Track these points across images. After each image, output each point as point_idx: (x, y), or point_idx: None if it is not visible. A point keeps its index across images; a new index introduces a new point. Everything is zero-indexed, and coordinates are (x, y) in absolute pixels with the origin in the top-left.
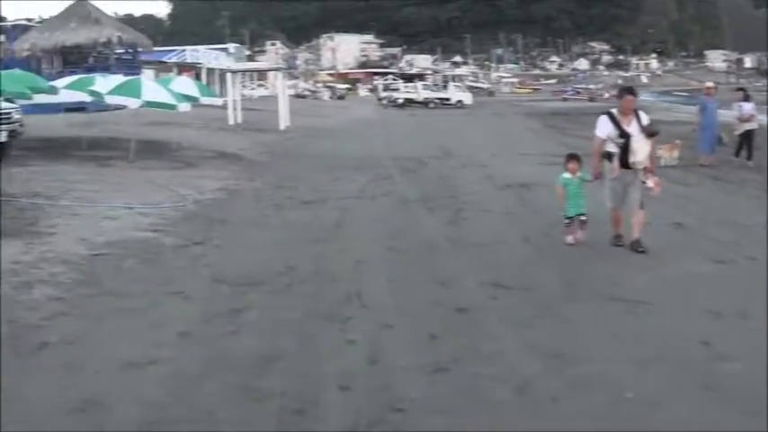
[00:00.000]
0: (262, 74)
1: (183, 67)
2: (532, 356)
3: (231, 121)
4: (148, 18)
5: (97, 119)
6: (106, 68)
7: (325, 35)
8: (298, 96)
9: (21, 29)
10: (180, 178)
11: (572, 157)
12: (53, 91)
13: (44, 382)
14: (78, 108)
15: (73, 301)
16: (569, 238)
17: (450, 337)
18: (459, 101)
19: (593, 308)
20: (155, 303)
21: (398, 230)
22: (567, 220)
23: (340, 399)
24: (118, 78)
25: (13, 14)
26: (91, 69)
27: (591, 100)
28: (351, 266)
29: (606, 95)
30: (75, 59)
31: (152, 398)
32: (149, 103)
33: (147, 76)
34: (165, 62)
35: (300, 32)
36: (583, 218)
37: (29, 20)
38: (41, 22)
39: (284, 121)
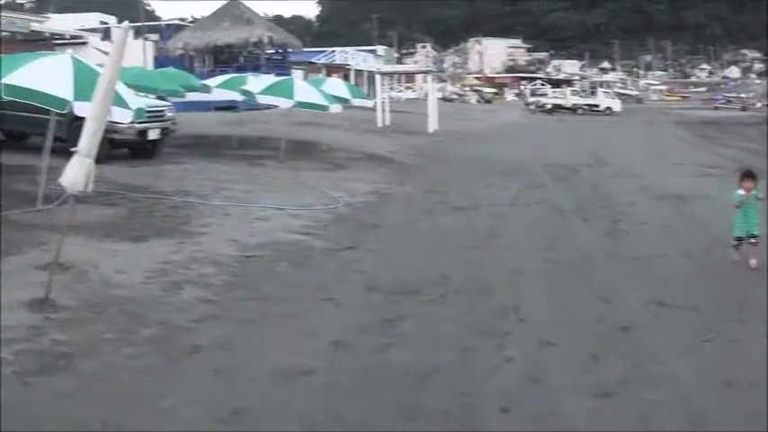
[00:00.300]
0: (409, 76)
1: (331, 69)
2: (704, 383)
3: (379, 123)
4: (298, 19)
5: (247, 118)
6: (257, 68)
7: (472, 39)
8: (445, 100)
9: (174, 28)
10: (330, 180)
11: (747, 174)
12: (206, 89)
13: (194, 389)
14: (229, 107)
15: (224, 304)
16: (736, 256)
17: (614, 357)
18: (608, 108)
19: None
20: (307, 310)
21: (554, 240)
22: (735, 241)
23: (501, 422)
24: (270, 78)
25: (168, 14)
26: (241, 69)
27: (743, 109)
28: (506, 277)
29: (758, 105)
30: (226, 59)
31: (305, 411)
32: (301, 104)
33: (296, 76)
34: (315, 63)
35: (448, 36)
36: (754, 240)
37: (182, 20)
38: (194, 21)
39: (433, 124)
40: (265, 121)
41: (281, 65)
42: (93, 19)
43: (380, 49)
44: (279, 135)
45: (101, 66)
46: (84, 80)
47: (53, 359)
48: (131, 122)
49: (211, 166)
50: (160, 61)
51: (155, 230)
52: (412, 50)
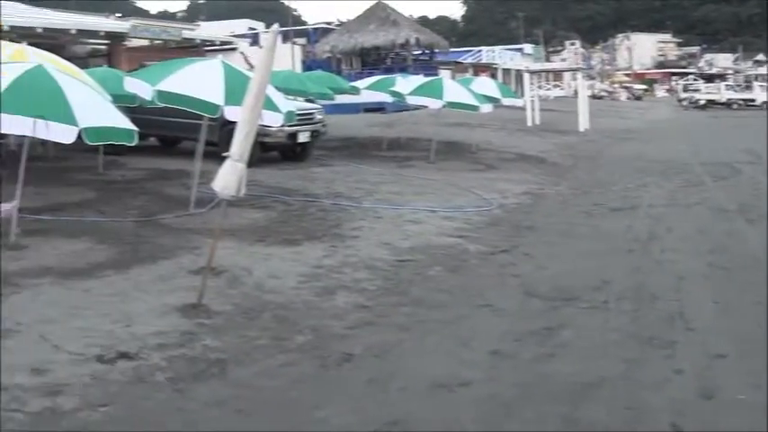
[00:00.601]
0: (557, 74)
1: (478, 68)
2: None
3: (529, 123)
4: (443, 19)
5: (396, 119)
6: (404, 69)
7: (620, 35)
8: (594, 97)
9: (321, 32)
10: (482, 181)
11: None
12: (355, 91)
13: (348, 398)
14: (377, 108)
15: (377, 310)
16: None
17: None
18: (765, 102)
19: None
20: (462, 316)
21: (718, 244)
22: None
23: None
24: (418, 79)
25: (314, 19)
26: (389, 70)
27: None
28: (671, 283)
29: None
30: (373, 61)
31: (463, 424)
32: (451, 104)
33: (444, 76)
34: (461, 63)
35: (595, 32)
36: None
37: (328, 23)
38: (340, 25)
39: (583, 123)
40: (414, 122)
41: (428, 65)
42: (241, 26)
43: (527, 47)
44: (428, 136)
45: (251, 70)
46: (235, 85)
47: (206, 366)
48: (282, 126)
49: (361, 168)
50: (308, 64)
51: (307, 234)
52: (559, 48)
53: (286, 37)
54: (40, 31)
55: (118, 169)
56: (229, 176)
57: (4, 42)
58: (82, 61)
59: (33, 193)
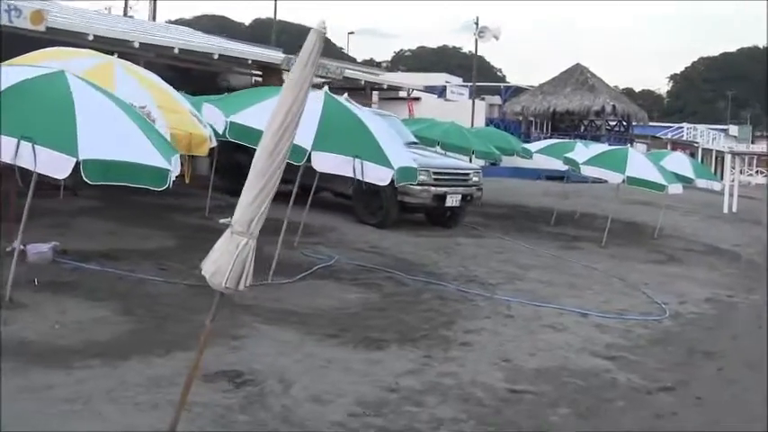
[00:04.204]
0: (760, 159)
1: (677, 145)
2: None
3: (726, 209)
4: (647, 93)
5: (575, 190)
6: (597, 138)
7: None
8: None
9: (513, 90)
10: (658, 276)
11: None
12: (527, 155)
13: None
14: (560, 177)
15: None
16: None
17: None
18: None
19: None
20: None
21: None
22: None
23: None
24: (600, 147)
25: (515, 79)
26: (580, 138)
27: None
28: None
29: None
30: (565, 127)
31: None
32: (633, 180)
33: (638, 149)
34: (660, 138)
35: None
36: None
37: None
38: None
39: None
40: (595, 195)
41: (622, 137)
42: (439, 79)
43: (733, 128)
44: (606, 213)
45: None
46: (333, 125)
47: None
48: (427, 185)
49: (516, 245)
50: (496, 123)
51: (402, 332)
52: (766, 133)
53: (477, 93)
54: (176, 51)
55: (229, 214)
56: (225, 257)
57: (86, 51)
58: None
59: (104, 233)
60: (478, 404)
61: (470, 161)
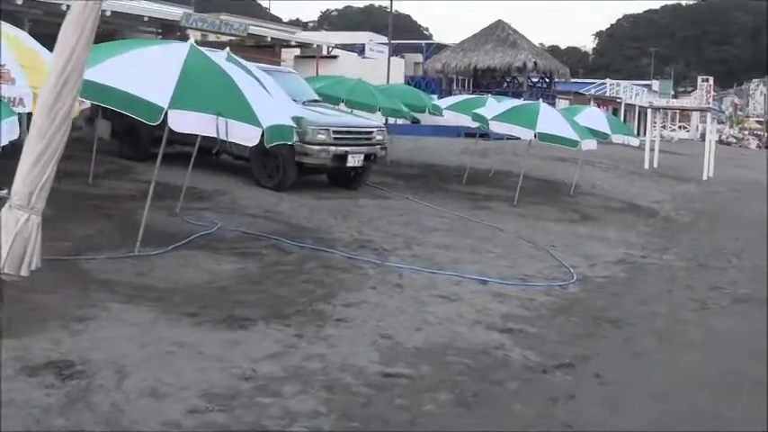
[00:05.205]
0: (683, 115)
1: (600, 101)
2: None
3: (646, 165)
4: (573, 50)
5: (497, 147)
6: (518, 95)
7: (756, 80)
8: (721, 143)
9: (435, 48)
10: (569, 237)
11: None
12: (436, 111)
13: None
14: (482, 134)
15: None
16: None
17: None
18: None
19: None
20: None
21: None
22: None
23: None
24: (511, 102)
25: (442, 38)
26: (502, 94)
27: None
28: None
29: None
30: (487, 83)
31: None
32: (544, 136)
33: (559, 106)
34: (583, 94)
35: (730, 77)
36: None
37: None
38: None
39: (708, 170)
40: (515, 152)
41: (545, 93)
42: (364, 38)
43: (656, 84)
44: (521, 170)
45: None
46: (197, 80)
47: None
48: (325, 144)
49: (421, 207)
50: (416, 81)
51: (274, 308)
52: (689, 89)
53: (397, 51)
54: (64, 8)
55: (117, 180)
56: (4, 236)
57: None
58: None
59: None
60: (345, 392)
61: (386, 120)
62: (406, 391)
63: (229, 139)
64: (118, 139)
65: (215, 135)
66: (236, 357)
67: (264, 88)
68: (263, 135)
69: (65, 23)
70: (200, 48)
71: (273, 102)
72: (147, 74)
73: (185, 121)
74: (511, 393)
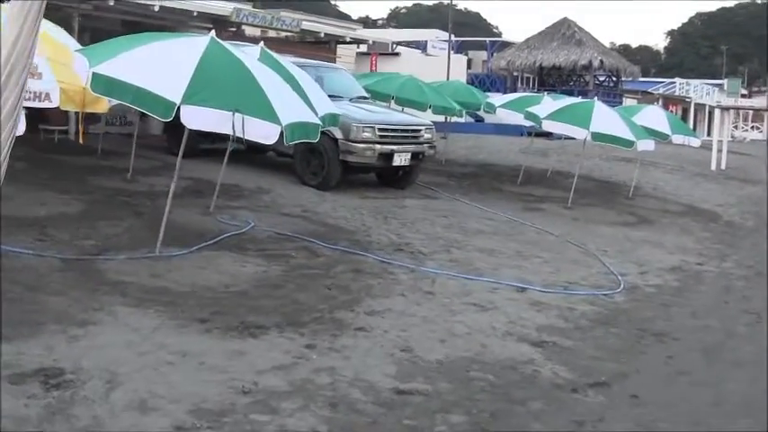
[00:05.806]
0: (756, 115)
1: (669, 100)
2: None
3: (713, 167)
4: (644, 49)
5: (559, 147)
6: (584, 93)
7: None
8: None
9: (499, 45)
10: (622, 242)
11: None
12: (490, 109)
13: None
14: (546, 133)
15: None
16: None
17: None
18: None
19: None
20: None
21: None
22: None
23: None
24: (567, 100)
25: (512, 36)
26: (568, 93)
27: None
28: None
29: None
30: (553, 82)
31: None
32: (598, 136)
33: (627, 105)
34: (651, 93)
35: None
36: None
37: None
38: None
39: None
40: (577, 152)
41: (612, 92)
42: (431, 35)
43: (727, 82)
44: (582, 171)
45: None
46: (212, 76)
47: None
48: (370, 143)
49: (469, 208)
50: (481, 78)
51: (290, 314)
52: (764, 89)
53: (462, 48)
54: (111, 3)
55: (157, 176)
56: None
57: None
58: None
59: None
60: (350, 410)
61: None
62: (418, 411)
63: (245, 137)
64: (167, 134)
65: (230, 132)
66: (239, 368)
67: (298, 84)
68: (282, 133)
69: (8, 12)
70: (221, 42)
71: (297, 99)
72: (161, 68)
73: (199, 118)
74: (532, 414)
